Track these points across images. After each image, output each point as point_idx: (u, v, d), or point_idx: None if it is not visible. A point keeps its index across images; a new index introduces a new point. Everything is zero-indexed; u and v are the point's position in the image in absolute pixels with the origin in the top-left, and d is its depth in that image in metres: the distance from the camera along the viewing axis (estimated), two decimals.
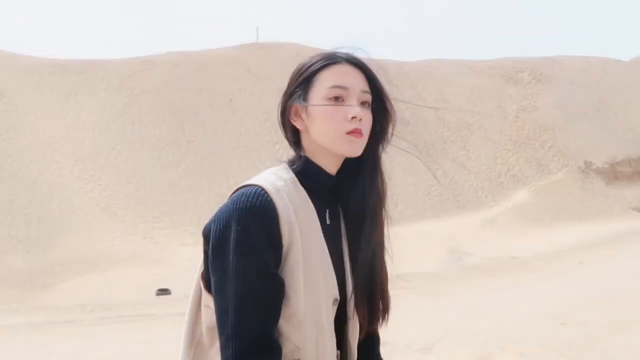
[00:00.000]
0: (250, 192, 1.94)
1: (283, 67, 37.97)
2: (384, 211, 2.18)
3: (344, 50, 2.13)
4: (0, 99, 32.94)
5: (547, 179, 35.06)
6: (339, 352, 2.07)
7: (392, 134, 2.19)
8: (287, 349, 1.96)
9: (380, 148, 2.16)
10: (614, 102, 41.74)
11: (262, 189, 1.95)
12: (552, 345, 9.08)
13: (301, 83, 2.08)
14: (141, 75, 36.10)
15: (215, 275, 1.94)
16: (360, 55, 2.14)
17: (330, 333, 2.02)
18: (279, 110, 2.12)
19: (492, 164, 36.47)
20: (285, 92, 2.12)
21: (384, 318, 2.19)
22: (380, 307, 2.16)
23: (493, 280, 17.03)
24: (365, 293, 2.10)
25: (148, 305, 15.74)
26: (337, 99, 2.04)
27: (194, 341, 2.08)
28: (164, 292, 18.63)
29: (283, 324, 1.96)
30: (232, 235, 1.91)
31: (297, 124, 2.09)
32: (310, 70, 2.08)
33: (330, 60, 2.08)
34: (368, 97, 2.09)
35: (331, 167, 2.09)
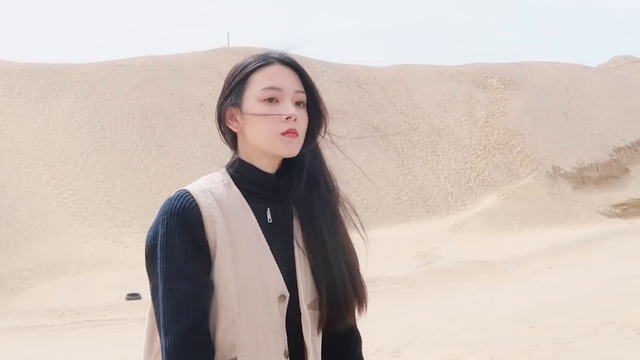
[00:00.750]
0: (174, 196, 1.99)
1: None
2: (340, 206, 2.19)
3: (278, 51, 2.12)
4: None
5: (516, 183, 35.30)
6: (287, 350, 2.02)
7: (324, 132, 2.16)
8: (223, 348, 1.97)
9: (310, 144, 2.12)
10: (582, 107, 42.13)
11: (186, 192, 1.99)
12: (521, 348, 9.16)
13: (235, 86, 2.07)
14: (111, 79, 35.93)
15: (150, 280, 2.01)
16: (292, 54, 2.13)
17: (274, 330, 2.00)
18: (216, 115, 2.12)
19: (461, 168, 36.66)
20: (220, 96, 2.11)
21: (359, 312, 2.16)
22: (348, 301, 2.10)
23: (463, 284, 17.13)
24: (329, 288, 2.07)
25: (118, 309, 15.68)
26: (271, 100, 2.03)
27: (152, 352, 2.08)
28: (134, 296, 18.54)
29: (217, 322, 1.97)
30: (159, 240, 1.96)
31: (233, 127, 2.09)
32: (243, 72, 2.07)
33: (262, 61, 2.07)
34: (302, 97, 2.09)
35: (268, 167, 2.09)
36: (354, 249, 2.19)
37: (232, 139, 2.13)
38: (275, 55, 2.09)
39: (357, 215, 2.26)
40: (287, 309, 2.03)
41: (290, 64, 2.10)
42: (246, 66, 2.08)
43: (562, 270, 18.71)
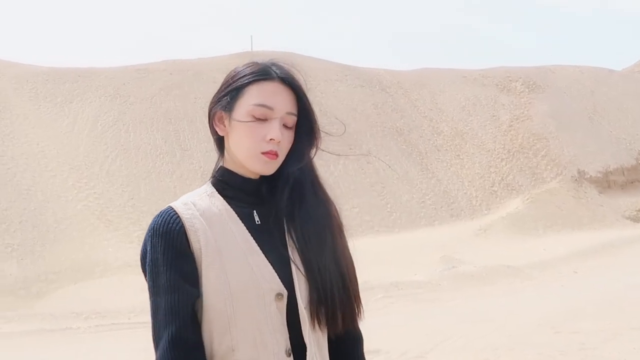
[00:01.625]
0: (159, 213, 2.06)
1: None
2: (333, 217, 2.18)
3: (280, 65, 2.13)
4: None
5: (540, 187, 35.11)
6: (289, 348, 2.02)
7: (316, 152, 2.17)
8: (221, 353, 1.99)
9: (295, 163, 2.12)
10: (607, 111, 41.86)
11: (169, 207, 2.06)
12: (546, 353, 9.11)
13: (229, 92, 2.09)
14: (136, 83, 36.10)
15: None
16: (294, 72, 2.14)
17: (274, 329, 2.01)
18: (208, 114, 2.14)
19: (485, 172, 36.52)
20: (214, 97, 2.14)
21: (357, 314, 2.17)
22: (340, 307, 2.10)
23: (487, 289, 17.05)
24: (319, 293, 2.06)
25: (143, 313, 15.73)
26: (260, 117, 2.04)
27: None
28: None
29: (212, 328, 1.99)
30: (147, 257, 2.05)
31: (219, 130, 2.12)
32: (240, 81, 2.08)
33: (262, 75, 2.08)
34: (293, 120, 2.10)
35: (251, 173, 2.11)
36: (348, 257, 2.18)
37: (218, 140, 2.16)
38: (277, 72, 2.10)
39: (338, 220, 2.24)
40: (288, 307, 2.04)
41: (290, 83, 2.10)
42: (246, 75, 2.09)
43: (587, 274, 18.58)
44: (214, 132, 2.15)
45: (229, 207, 2.09)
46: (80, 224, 26.66)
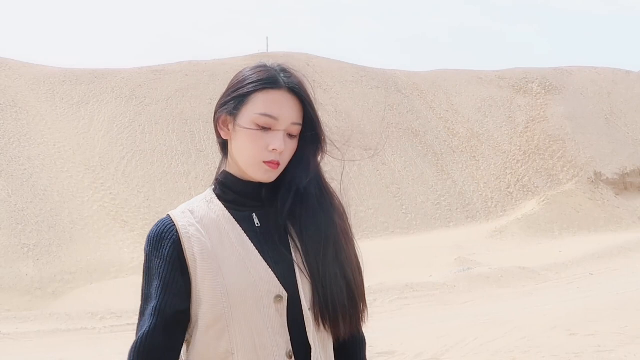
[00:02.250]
0: (156, 223, 2.13)
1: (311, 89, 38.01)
2: (339, 220, 2.16)
3: (289, 71, 2.12)
4: (12, 108, 33.08)
5: (556, 189, 35.00)
6: (290, 350, 2.02)
7: (322, 160, 2.18)
8: (221, 357, 2.01)
9: (299, 172, 2.11)
10: (624, 112, 41.67)
11: (167, 216, 2.11)
12: (562, 356, 9.08)
13: (235, 97, 2.08)
14: (151, 85, 36.21)
15: None
16: (303, 80, 2.12)
17: (273, 331, 2.01)
18: (213, 116, 2.15)
19: (501, 174, 36.43)
20: (220, 100, 2.14)
21: (362, 319, 2.15)
22: (342, 311, 2.08)
23: (502, 290, 17.01)
24: (322, 296, 2.05)
25: None
26: (264, 126, 2.04)
27: None
28: None
29: (211, 333, 2.01)
30: (144, 265, 2.10)
31: (223, 133, 2.13)
32: (247, 88, 2.07)
33: (270, 84, 2.06)
34: (297, 129, 2.09)
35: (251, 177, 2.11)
36: (354, 261, 2.16)
37: (223, 143, 2.17)
38: (285, 80, 2.08)
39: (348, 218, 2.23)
40: (289, 309, 2.03)
41: (297, 93, 2.09)
42: (253, 82, 2.07)
43: (603, 277, 18.50)
44: (218, 135, 2.16)
45: (226, 212, 2.09)
46: (96, 224, 26.77)
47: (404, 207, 32.34)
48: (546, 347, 9.65)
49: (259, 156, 2.04)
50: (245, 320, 1.99)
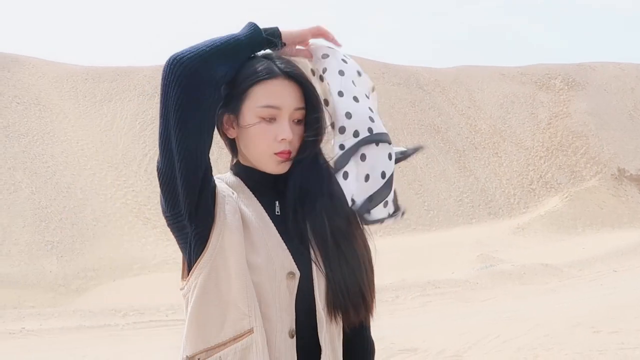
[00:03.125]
0: None
1: (307, 70, 38.02)
2: (342, 203, 2.12)
3: (281, 57, 2.08)
4: (35, 106, 33.30)
5: (579, 185, 34.82)
6: (293, 330, 2.02)
7: (321, 142, 2.13)
8: (237, 317, 1.98)
9: (311, 150, 2.10)
10: None
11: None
12: (585, 353, 9.04)
13: (234, 95, 2.04)
14: None
15: None
16: (297, 64, 2.09)
17: (281, 307, 2.01)
18: (216, 119, 2.07)
19: (524, 170, 36.29)
20: (223, 99, 2.08)
21: (367, 310, 2.13)
22: (353, 303, 2.08)
23: (525, 287, 16.95)
24: (339, 281, 2.05)
25: (180, 310, 15.83)
26: (268, 118, 2.02)
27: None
28: None
29: (231, 286, 1.98)
30: None
31: (229, 133, 2.10)
32: (244, 83, 2.03)
33: (266, 74, 2.03)
34: (301, 114, 2.07)
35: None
36: (367, 253, 2.15)
37: (230, 142, 2.14)
38: (281, 66, 2.05)
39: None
40: (299, 290, 2.03)
41: (294, 77, 2.06)
42: (249, 77, 2.03)
43: (627, 274, 18.39)
44: (223, 135, 2.13)
45: (250, 192, 2.09)
46: (119, 221, 26.90)
47: (426, 203, 32.28)
48: (569, 344, 9.60)
49: (269, 149, 2.03)
50: (258, 288, 1.99)
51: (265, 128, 2.02)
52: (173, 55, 1.94)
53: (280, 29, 2.10)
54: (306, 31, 2.15)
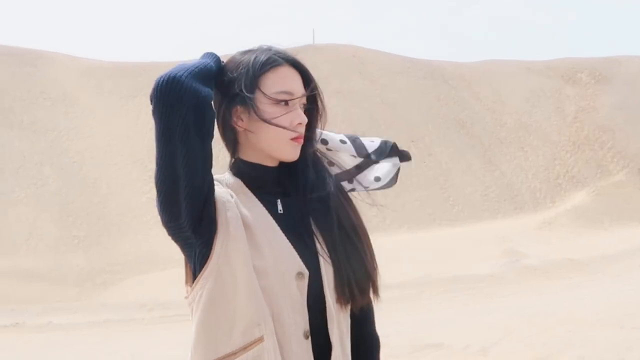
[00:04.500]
0: None
1: (339, 68, 38.01)
2: (341, 195, 2.16)
3: (279, 49, 2.10)
4: (62, 102, 33.53)
5: (606, 180, 34.59)
6: (307, 331, 2.00)
7: (322, 131, 2.20)
8: (247, 326, 1.96)
9: (312, 144, 2.15)
10: None
11: None
12: (611, 348, 8.99)
13: (245, 86, 2.03)
14: None
15: None
16: (295, 54, 2.12)
17: (293, 309, 1.99)
18: (219, 112, 2.08)
19: (550, 165, 36.09)
20: (222, 92, 2.08)
21: (375, 289, 2.14)
22: (359, 289, 2.09)
23: (550, 282, 16.87)
24: (351, 274, 2.05)
25: None
26: (284, 103, 2.04)
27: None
28: None
29: (238, 297, 1.96)
30: None
31: (239, 126, 2.08)
32: (253, 72, 2.04)
33: (274, 62, 2.05)
34: (304, 101, 2.10)
35: (269, 162, 2.11)
36: (368, 241, 2.17)
37: (231, 137, 2.12)
38: (283, 56, 2.08)
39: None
40: (309, 289, 2.02)
41: (297, 66, 2.09)
42: (257, 65, 2.04)
43: None
44: (227, 130, 2.10)
45: (250, 193, 2.09)
46: (145, 216, 27.03)
47: (451, 198, 32.19)
48: (595, 340, 9.55)
49: (287, 134, 2.04)
50: (268, 294, 1.98)
51: (283, 114, 2.04)
52: (165, 77, 1.92)
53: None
54: None
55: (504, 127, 38.14)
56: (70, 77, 35.64)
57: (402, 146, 2.40)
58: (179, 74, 1.92)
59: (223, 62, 2.10)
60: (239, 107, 2.06)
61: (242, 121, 2.07)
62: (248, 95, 2.03)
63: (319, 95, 2.14)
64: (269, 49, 2.09)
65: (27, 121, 31.60)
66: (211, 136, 1.97)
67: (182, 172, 1.93)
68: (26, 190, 27.66)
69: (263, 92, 2.04)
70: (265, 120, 2.02)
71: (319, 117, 2.16)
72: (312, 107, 2.14)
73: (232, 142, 2.12)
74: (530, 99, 40.00)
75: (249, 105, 2.03)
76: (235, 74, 2.06)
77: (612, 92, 40.53)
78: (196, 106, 1.91)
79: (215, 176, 2.07)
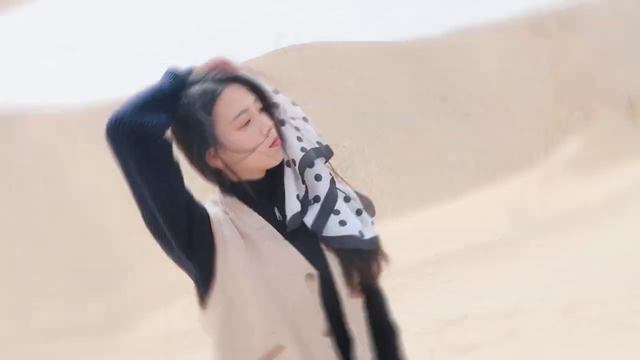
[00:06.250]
0: None
1: (310, 68, 37.84)
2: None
3: (208, 73, 2.09)
4: (44, 155, 33.38)
5: (595, 125, 34.55)
6: (325, 328, 2.04)
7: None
8: (262, 337, 2.00)
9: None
10: None
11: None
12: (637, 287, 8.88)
13: (206, 127, 2.04)
14: None
15: None
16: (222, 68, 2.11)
17: (309, 311, 2.03)
18: (193, 161, 2.10)
19: (536, 120, 36.04)
20: (185, 145, 2.09)
21: (377, 269, 2.15)
22: (367, 269, 2.12)
23: (561, 237, 16.65)
24: (359, 265, 2.09)
25: None
26: (244, 123, 2.05)
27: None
28: None
29: (253, 314, 2.01)
30: None
31: (218, 165, 2.08)
32: (204, 112, 2.03)
33: (217, 91, 2.05)
34: (260, 105, 2.10)
35: (255, 174, 2.11)
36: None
37: (216, 177, 2.13)
38: (217, 78, 2.08)
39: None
40: (323, 292, 2.05)
41: (232, 80, 2.09)
42: (203, 104, 2.05)
43: None
44: (209, 174, 2.12)
45: (244, 205, 2.10)
46: (155, 246, 26.95)
47: (446, 171, 32.13)
48: (621, 296, 9.45)
49: (263, 147, 2.05)
50: (281, 301, 2.01)
51: (249, 133, 2.05)
52: (111, 119, 1.98)
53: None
54: (209, 64, 2.13)
55: (485, 92, 38.15)
56: (49, 130, 35.45)
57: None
58: (122, 113, 1.97)
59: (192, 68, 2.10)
60: (210, 151, 2.06)
61: (219, 159, 2.07)
62: (211, 135, 2.04)
63: (266, 93, 2.13)
64: (199, 81, 2.09)
65: (15, 176, 31.47)
66: (171, 162, 2.01)
67: (153, 205, 1.99)
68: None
69: (222, 125, 2.05)
70: (245, 151, 2.05)
71: (273, 109, 2.14)
72: (266, 105, 2.13)
73: (217, 179, 2.14)
74: (503, 59, 39.92)
75: (220, 145, 2.05)
76: (188, 122, 2.06)
77: (585, 38, 40.51)
78: (145, 140, 1.96)
79: (209, 200, 2.12)
